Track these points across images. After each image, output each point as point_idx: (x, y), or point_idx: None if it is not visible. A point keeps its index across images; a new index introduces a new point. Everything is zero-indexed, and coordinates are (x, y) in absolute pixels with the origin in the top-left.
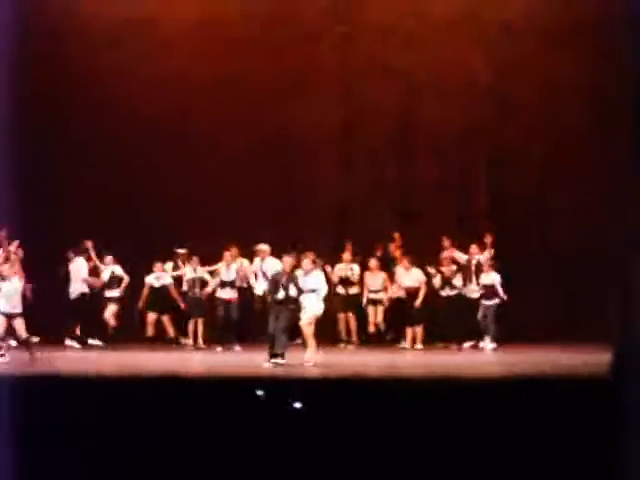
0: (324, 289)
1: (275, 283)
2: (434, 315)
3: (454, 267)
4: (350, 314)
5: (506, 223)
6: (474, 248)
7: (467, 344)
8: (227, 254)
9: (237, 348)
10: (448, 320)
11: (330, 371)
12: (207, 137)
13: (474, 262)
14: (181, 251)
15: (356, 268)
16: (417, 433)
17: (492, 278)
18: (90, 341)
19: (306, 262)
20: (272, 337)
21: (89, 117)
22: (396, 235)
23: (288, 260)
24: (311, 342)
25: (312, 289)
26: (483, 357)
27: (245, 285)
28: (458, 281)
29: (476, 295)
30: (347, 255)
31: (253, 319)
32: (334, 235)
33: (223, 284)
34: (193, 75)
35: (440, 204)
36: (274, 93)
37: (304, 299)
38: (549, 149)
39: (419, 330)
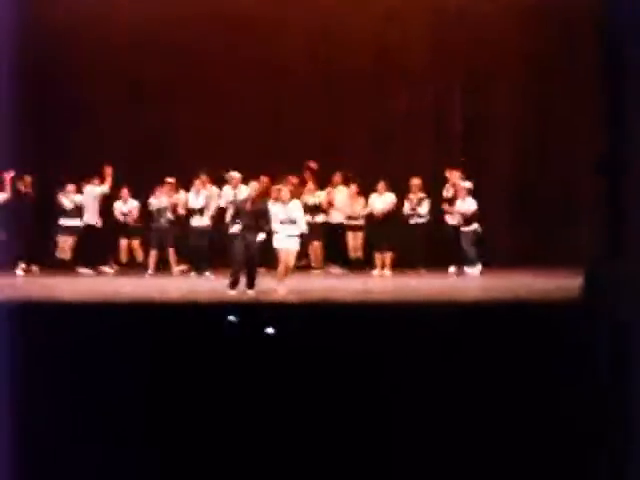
0: (302, 221)
1: (236, 210)
2: (404, 242)
3: (421, 194)
4: (316, 242)
5: (480, 148)
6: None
7: (451, 269)
8: (197, 182)
9: (208, 274)
10: (417, 247)
11: (305, 297)
12: (195, 73)
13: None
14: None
15: (322, 195)
16: (393, 357)
17: (469, 204)
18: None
19: (285, 191)
20: (247, 266)
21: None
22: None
23: (254, 185)
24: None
25: (291, 220)
26: (460, 282)
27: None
28: (424, 209)
29: (454, 222)
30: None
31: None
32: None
33: (192, 212)
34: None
35: (414, 130)
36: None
37: (282, 230)
38: (519, 74)
39: (388, 256)
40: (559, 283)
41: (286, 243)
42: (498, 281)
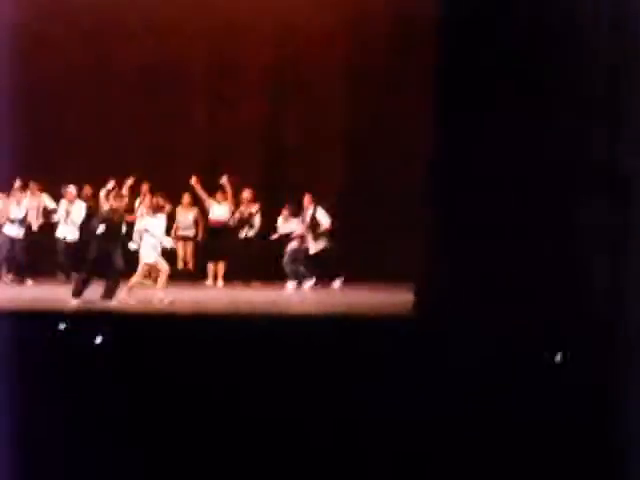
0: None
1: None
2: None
3: (254, 208)
4: None
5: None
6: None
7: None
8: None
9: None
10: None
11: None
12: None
13: None
14: None
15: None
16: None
17: (290, 226)
18: None
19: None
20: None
21: None
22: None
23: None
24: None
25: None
26: (295, 296)
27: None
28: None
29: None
30: None
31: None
32: None
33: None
34: None
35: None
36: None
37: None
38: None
39: (221, 267)
40: (392, 298)
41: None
42: (329, 295)
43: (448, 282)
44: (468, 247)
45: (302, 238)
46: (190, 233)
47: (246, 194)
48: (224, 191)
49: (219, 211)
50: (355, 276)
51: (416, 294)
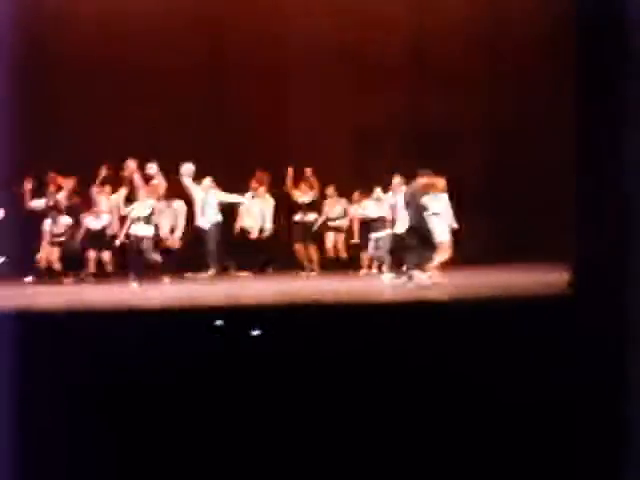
0: None
1: None
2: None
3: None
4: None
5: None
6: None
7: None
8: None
9: None
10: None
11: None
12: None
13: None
14: None
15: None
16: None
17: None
18: None
19: None
20: None
21: None
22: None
23: None
24: None
25: None
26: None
27: None
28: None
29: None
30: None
31: None
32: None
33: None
34: None
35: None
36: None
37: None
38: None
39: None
40: (544, 279)
41: None
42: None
43: (605, 260)
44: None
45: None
46: (342, 223)
47: (330, 190)
48: (309, 183)
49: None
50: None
51: (573, 273)
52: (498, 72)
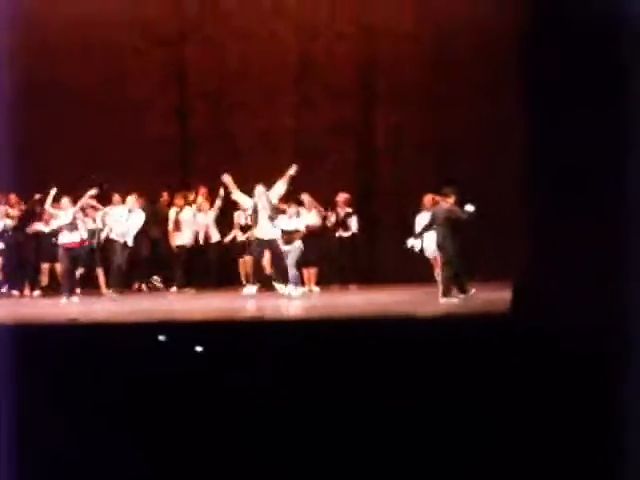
0: None
1: None
2: (328, 256)
3: (349, 209)
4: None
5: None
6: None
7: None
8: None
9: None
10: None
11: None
12: None
13: None
14: None
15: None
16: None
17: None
18: None
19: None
20: None
21: None
22: None
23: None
24: None
25: None
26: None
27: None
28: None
29: None
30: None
31: None
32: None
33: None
34: None
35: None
36: None
37: None
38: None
39: (313, 271)
40: (489, 296)
41: None
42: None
43: (547, 280)
44: (567, 247)
45: None
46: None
47: (341, 197)
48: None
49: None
50: None
51: (514, 292)
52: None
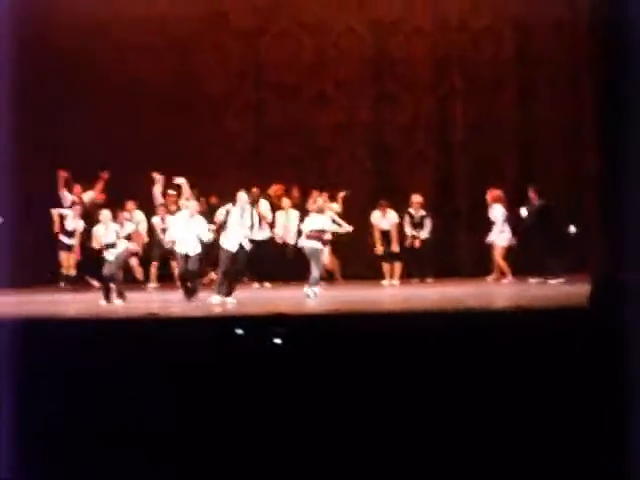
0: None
1: None
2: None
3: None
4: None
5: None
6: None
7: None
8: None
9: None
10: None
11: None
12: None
13: None
14: None
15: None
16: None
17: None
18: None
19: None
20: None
21: None
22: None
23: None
24: None
25: None
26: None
27: None
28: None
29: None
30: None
31: None
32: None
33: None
34: None
35: (415, 140)
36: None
37: None
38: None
39: (397, 266)
40: (567, 290)
41: None
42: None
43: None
44: None
45: None
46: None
47: (417, 198)
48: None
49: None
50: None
51: (593, 286)
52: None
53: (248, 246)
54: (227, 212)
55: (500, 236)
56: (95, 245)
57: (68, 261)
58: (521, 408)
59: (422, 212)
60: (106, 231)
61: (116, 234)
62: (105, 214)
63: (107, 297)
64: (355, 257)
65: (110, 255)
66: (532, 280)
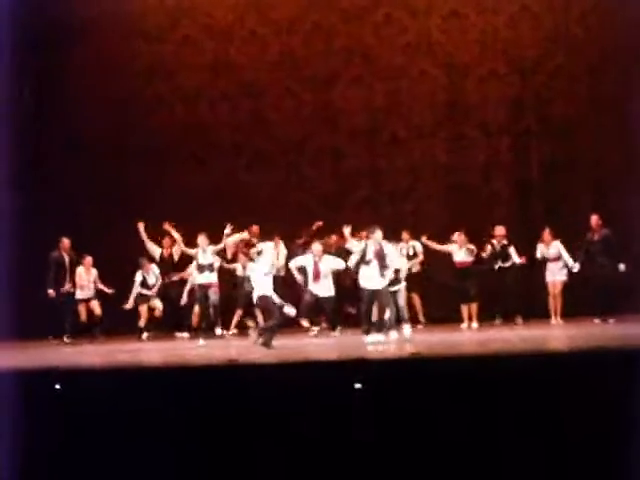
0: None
1: None
2: (488, 290)
3: (504, 241)
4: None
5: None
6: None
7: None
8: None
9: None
10: (503, 294)
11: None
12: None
13: None
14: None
15: (418, 246)
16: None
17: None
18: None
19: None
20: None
21: None
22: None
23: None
24: None
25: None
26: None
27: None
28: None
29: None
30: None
31: None
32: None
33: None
34: None
35: (490, 179)
36: None
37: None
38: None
39: (474, 307)
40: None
41: None
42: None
43: None
44: None
45: None
46: None
47: (499, 230)
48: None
49: (462, 252)
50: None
51: None
52: None
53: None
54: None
55: (561, 272)
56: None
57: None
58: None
59: (504, 242)
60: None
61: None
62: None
63: None
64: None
65: None
66: (596, 320)
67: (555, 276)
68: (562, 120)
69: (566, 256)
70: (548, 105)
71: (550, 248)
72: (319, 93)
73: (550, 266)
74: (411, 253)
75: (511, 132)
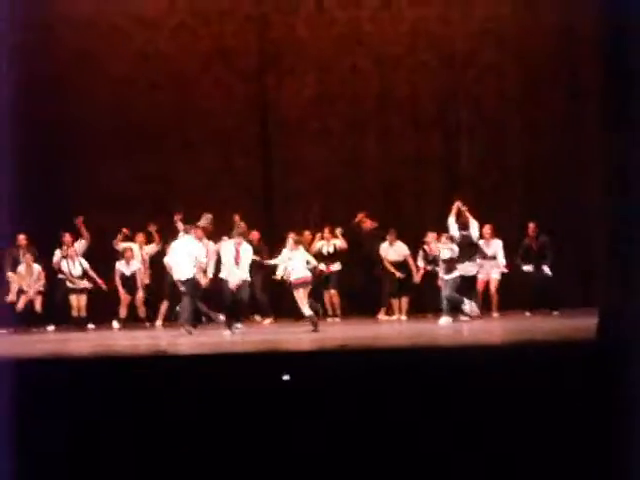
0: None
1: None
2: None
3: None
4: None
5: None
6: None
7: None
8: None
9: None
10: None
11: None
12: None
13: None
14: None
15: (338, 243)
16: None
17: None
18: None
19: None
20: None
21: None
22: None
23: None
24: None
25: None
26: (471, 325)
27: None
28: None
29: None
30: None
31: None
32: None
33: None
34: None
35: (422, 176)
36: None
37: None
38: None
39: (405, 301)
40: (575, 324)
41: None
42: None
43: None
44: None
45: None
46: None
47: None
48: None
49: (394, 250)
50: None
51: (600, 319)
52: None
53: None
54: None
55: (497, 270)
56: None
57: None
58: (526, 444)
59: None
60: None
61: None
62: None
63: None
64: None
65: None
66: (527, 314)
67: (490, 274)
68: (491, 115)
69: (501, 257)
70: (477, 100)
71: (490, 246)
72: (250, 84)
73: (484, 263)
74: (331, 251)
75: (442, 125)
